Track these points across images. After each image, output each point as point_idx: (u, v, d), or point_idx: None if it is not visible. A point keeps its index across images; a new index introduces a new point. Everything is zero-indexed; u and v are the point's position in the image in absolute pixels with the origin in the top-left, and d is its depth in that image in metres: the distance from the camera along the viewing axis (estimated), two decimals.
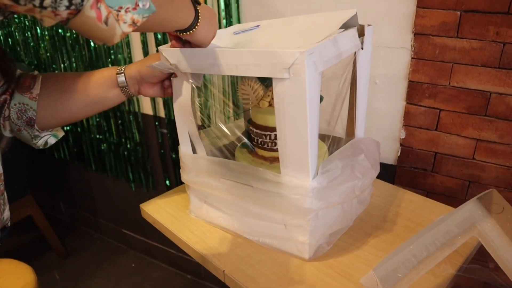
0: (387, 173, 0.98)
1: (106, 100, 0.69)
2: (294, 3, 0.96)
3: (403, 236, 0.73)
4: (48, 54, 1.49)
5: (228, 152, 0.79)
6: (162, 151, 1.44)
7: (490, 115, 0.83)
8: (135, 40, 1.27)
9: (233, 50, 0.58)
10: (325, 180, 0.61)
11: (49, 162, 1.88)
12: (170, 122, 1.33)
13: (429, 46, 0.84)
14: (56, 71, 1.51)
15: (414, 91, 0.89)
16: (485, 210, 0.59)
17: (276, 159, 0.72)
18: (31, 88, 0.64)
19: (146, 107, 1.38)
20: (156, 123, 1.38)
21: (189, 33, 0.55)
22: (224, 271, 0.66)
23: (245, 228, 0.72)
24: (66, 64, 1.46)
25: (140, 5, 0.40)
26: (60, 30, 1.40)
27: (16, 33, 1.53)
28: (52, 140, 0.70)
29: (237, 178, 0.68)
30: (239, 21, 1.05)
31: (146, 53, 1.26)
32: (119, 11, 0.39)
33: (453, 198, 0.94)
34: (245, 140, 0.78)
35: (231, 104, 1.11)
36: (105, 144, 1.57)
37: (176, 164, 1.43)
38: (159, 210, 0.84)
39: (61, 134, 0.71)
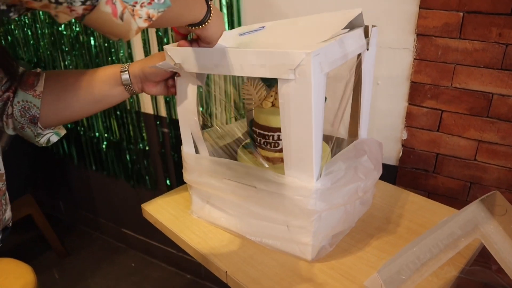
0: (388, 173, 0.98)
1: (109, 98, 0.69)
2: (296, 4, 0.96)
3: (405, 238, 0.73)
4: (48, 52, 1.48)
5: (230, 152, 0.78)
6: (162, 150, 1.44)
7: (492, 117, 0.83)
8: (136, 39, 1.26)
9: (238, 50, 0.58)
10: (328, 182, 0.61)
11: (49, 161, 1.88)
12: (171, 121, 1.33)
13: (431, 47, 0.84)
14: (57, 70, 1.51)
15: (416, 92, 0.89)
16: (488, 212, 0.59)
17: (278, 160, 0.72)
18: (35, 86, 0.64)
19: (147, 106, 1.38)
20: (157, 122, 1.38)
21: (202, 27, 0.55)
22: (226, 272, 0.66)
23: (248, 229, 0.72)
24: (66, 62, 1.46)
25: (156, 0, 0.40)
26: (60, 28, 1.40)
27: (16, 31, 1.53)
28: (54, 138, 0.70)
29: (240, 179, 0.67)
30: (239, 23, 1.05)
31: (147, 51, 1.25)
32: (134, 6, 0.39)
33: (454, 199, 0.94)
34: (248, 140, 0.78)
35: (233, 104, 1.10)
36: (105, 143, 1.56)
37: (176, 163, 1.43)
38: (160, 211, 0.83)
39: (63, 132, 0.71)
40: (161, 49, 1.22)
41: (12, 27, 1.52)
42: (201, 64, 0.61)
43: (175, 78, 0.68)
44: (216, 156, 0.73)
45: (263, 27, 0.72)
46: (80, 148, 1.68)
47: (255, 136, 0.73)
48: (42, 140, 0.68)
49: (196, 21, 0.54)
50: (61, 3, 0.34)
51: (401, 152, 0.96)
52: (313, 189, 0.60)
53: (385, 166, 0.79)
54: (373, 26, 0.68)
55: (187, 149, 0.74)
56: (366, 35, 0.68)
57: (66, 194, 1.99)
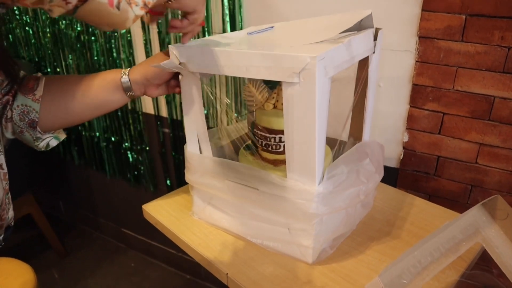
0: (389, 176, 0.98)
1: (109, 103, 0.68)
2: (298, 6, 0.95)
3: (406, 241, 0.72)
4: (49, 52, 1.48)
5: (231, 153, 0.78)
6: (163, 150, 1.44)
7: (494, 120, 0.83)
8: (137, 39, 1.26)
9: (244, 52, 0.57)
10: (330, 186, 0.61)
11: (49, 160, 1.88)
12: (172, 122, 1.33)
13: (433, 49, 0.84)
14: (57, 69, 1.51)
15: (418, 95, 0.89)
16: (490, 216, 0.59)
17: (280, 162, 0.71)
18: (34, 90, 0.63)
19: (148, 107, 1.38)
20: (158, 123, 1.38)
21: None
22: (227, 274, 0.66)
23: (249, 231, 0.72)
24: (67, 62, 1.46)
25: None
26: (61, 27, 1.40)
27: (17, 30, 1.53)
28: (54, 142, 0.69)
29: (242, 180, 0.67)
30: (241, 25, 1.05)
31: (148, 51, 1.25)
32: None
33: (455, 202, 0.93)
34: (249, 142, 0.78)
35: (234, 106, 1.10)
36: (105, 143, 1.56)
37: (177, 164, 1.42)
38: (161, 211, 0.83)
39: (63, 136, 0.71)
40: (162, 48, 1.22)
41: (14, 26, 1.52)
42: (206, 64, 0.61)
43: (179, 77, 0.68)
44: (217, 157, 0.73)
45: (272, 27, 0.72)
46: (81, 148, 1.67)
47: (257, 138, 0.73)
48: (41, 145, 0.68)
49: None
50: None
51: (402, 155, 0.96)
52: (315, 193, 0.60)
53: (386, 168, 0.79)
54: (377, 28, 0.68)
55: (191, 148, 0.74)
56: (375, 37, 0.67)
57: (66, 194, 1.99)
